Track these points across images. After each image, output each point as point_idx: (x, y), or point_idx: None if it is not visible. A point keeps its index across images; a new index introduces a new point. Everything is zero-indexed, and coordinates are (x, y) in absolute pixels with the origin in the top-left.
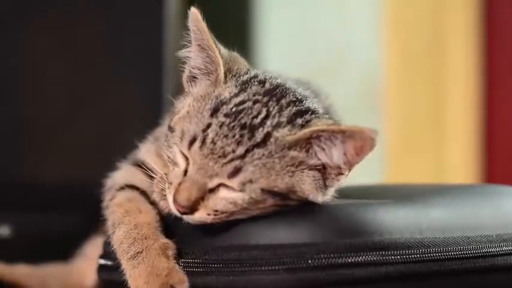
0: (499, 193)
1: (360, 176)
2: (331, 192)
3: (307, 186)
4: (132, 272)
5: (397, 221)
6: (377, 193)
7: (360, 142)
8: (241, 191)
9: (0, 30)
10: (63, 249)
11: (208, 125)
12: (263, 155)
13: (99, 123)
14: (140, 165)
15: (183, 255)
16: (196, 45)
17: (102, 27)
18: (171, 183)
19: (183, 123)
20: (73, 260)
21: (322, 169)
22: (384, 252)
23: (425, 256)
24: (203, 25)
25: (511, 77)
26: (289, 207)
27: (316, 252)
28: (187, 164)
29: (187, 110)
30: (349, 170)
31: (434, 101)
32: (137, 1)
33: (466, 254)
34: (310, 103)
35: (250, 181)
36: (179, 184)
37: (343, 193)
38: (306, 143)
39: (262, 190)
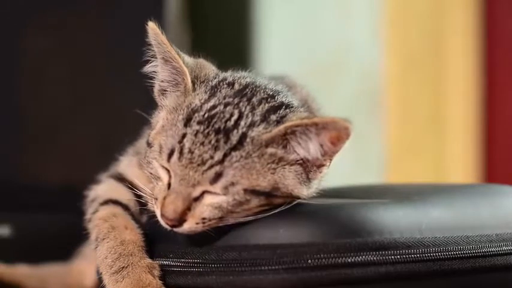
0: (499, 193)
1: (360, 176)
2: (315, 184)
3: (290, 181)
4: (115, 287)
5: (397, 221)
6: (377, 193)
7: (334, 132)
8: (225, 194)
9: (0, 30)
10: (63, 249)
11: (184, 136)
12: (241, 156)
13: (99, 123)
14: (122, 178)
15: (183, 255)
16: (160, 58)
17: (102, 27)
18: (156, 199)
19: (159, 138)
20: (73, 260)
21: (304, 163)
22: (383, 252)
23: (425, 256)
24: (163, 38)
25: (511, 77)
26: (276, 206)
27: (316, 252)
28: (170, 177)
29: (162, 124)
30: (330, 160)
31: (434, 101)
32: (137, 1)
33: (466, 253)
34: (283, 97)
35: (232, 184)
36: (164, 198)
37: (343, 193)
38: (283, 139)
39: (245, 190)
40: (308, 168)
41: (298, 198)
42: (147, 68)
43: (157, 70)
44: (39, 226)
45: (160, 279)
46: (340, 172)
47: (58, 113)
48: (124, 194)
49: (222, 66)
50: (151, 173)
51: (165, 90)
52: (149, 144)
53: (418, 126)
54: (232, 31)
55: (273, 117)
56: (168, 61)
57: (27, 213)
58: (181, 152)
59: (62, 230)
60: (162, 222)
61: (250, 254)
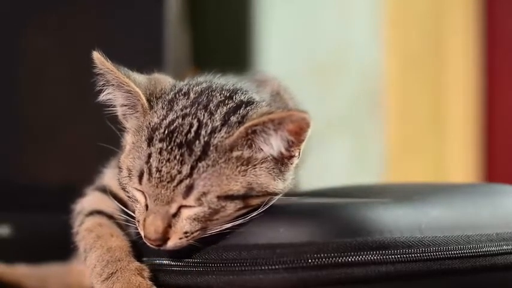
0: (499, 192)
1: (360, 175)
2: (290, 175)
3: (263, 179)
4: None
5: (397, 220)
6: (377, 192)
7: (292, 125)
8: (200, 205)
9: (0, 30)
10: (63, 249)
11: (149, 156)
12: (208, 165)
13: (99, 123)
14: (106, 190)
15: (183, 254)
16: (112, 85)
17: (102, 27)
18: (138, 221)
19: (127, 161)
20: (73, 260)
21: (273, 158)
22: (384, 252)
23: (425, 255)
24: (109, 65)
25: (511, 77)
26: (255, 208)
27: (316, 251)
28: (145, 198)
29: (128, 147)
30: (298, 150)
31: (434, 101)
32: (137, 1)
33: (466, 253)
34: (242, 95)
35: (204, 194)
36: (144, 220)
37: (343, 192)
38: (246, 139)
39: (219, 197)
40: (278, 162)
41: (275, 194)
42: (102, 97)
43: (112, 97)
44: (39, 226)
45: (150, 281)
46: (340, 172)
47: (58, 113)
48: (109, 205)
49: (222, 66)
50: (129, 197)
51: (125, 114)
52: (120, 169)
53: (418, 126)
54: (232, 31)
55: (233, 118)
56: (120, 86)
57: (27, 213)
58: (150, 173)
59: (62, 230)
60: (147, 243)
61: (250, 253)
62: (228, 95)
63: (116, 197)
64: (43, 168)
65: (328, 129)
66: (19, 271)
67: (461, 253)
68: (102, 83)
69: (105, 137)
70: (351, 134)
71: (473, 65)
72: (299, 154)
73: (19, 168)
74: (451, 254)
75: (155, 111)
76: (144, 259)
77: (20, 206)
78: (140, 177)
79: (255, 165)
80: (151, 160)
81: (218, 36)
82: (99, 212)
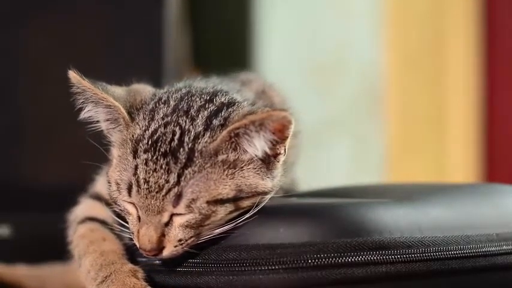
0: (499, 192)
1: (360, 175)
2: (278, 173)
3: (251, 180)
4: None
5: (397, 220)
6: (377, 192)
7: (273, 124)
8: (190, 212)
9: (0, 30)
10: (63, 249)
11: (136, 167)
12: (194, 172)
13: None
14: (99, 197)
15: (183, 255)
16: (91, 102)
17: (102, 27)
18: (133, 233)
19: (115, 175)
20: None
21: (259, 159)
22: (383, 252)
23: (425, 255)
24: (86, 83)
25: (511, 77)
26: (248, 210)
27: (316, 251)
28: (137, 209)
29: (115, 161)
30: (284, 147)
31: (435, 101)
32: (137, 1)
33: (466, 253)
34: (222, 97)
35: (193, 200)
36: (138, 231)
37: (342, 193)
38: (230, 142)
39: (208, 203)
40: (265, 161)
41: (265, 193)
42: (83, 115)
43: (93, 114)
44: (39, 226)
45: (145, 281)
46: (340, 172)
47: (58, 113)
48: (101, 211)
49: (222, 66)
50: (121, 210)
51: (109, 129)
52: (108, 183)
53: (418, 126)
54: (232, 31)
55: (216, 122)
56: (99, 102)
57: (27, 213)
58: (138, 185)
59: (62, 230)
60: (143, 254)
61: (250, 254)
62: (208, 98)
63: (108, 204)
64: (43, 169)
65: (328, 129)
66: (19, 271)
67: (461, 253)
68: (81, 101)
69: (104, 138)
70: (351, 134)
71: (474, 65)
72: (285, 151)
73: (19, 168)
74: (451, 254)
75: (137, 123)
76: (144, 260)
77: (20, 206)
78: (129, 189)
79: (242, 167)
80: (138, 172)
81: (218, 36)
82: (92, 219)
